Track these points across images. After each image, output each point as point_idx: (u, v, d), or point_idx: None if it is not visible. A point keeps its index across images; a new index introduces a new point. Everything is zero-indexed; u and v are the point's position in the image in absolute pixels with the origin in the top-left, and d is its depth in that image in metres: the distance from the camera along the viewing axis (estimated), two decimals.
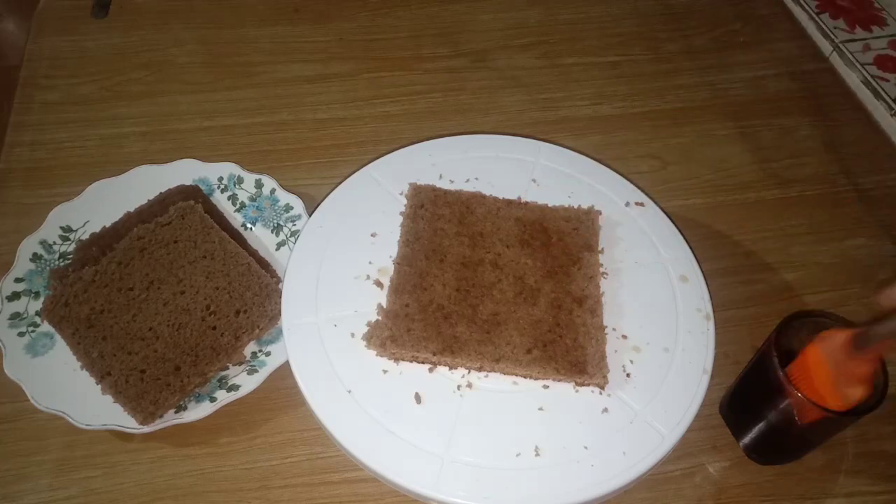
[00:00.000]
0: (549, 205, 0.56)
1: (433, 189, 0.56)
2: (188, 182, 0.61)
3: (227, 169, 0.62)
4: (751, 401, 0.50)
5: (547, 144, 0.60)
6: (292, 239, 0.59)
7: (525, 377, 0.47)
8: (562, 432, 0.45)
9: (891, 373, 0.44)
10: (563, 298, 0.50)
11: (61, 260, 0.57)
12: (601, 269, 0.53)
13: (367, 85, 0.74)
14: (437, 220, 0.54)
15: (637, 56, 0.78)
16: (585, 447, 0.45)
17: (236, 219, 0.61)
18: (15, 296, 0.54)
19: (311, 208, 0.57)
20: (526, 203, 0.56)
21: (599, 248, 0.54)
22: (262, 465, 0.51)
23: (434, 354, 0.47)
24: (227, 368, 0.53)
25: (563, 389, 0.47)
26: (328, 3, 0.82)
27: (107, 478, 0.50)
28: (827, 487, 0.51)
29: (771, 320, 0.48)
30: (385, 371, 0.47)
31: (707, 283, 0.52)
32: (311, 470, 0.50)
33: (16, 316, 0.54)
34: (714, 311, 0.51)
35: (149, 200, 0.60)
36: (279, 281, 0.55)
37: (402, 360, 0.48)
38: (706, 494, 0.50)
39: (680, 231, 0.56)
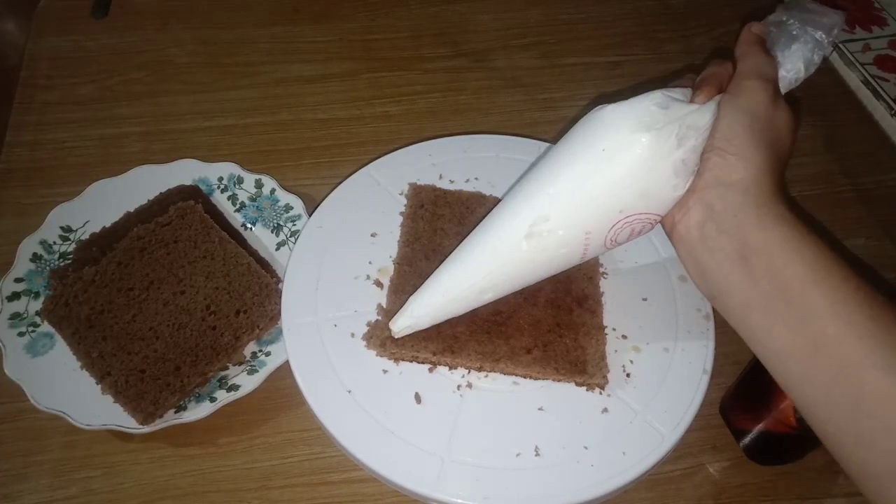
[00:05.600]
0: None
1: (433, 189, 0.56)
2: (188, 182, 0.62)
3: (227, 169, 0.62)
4: (751, 401, 0.50)
5: (547, 144, 0.60)
6: (292, 239, 0.59)
7: (525, 377, 0.47)
8: (562, 432, 0.45)
9: None
10: (563, 298, 0.50)
11: (61, 260, 0.57)
12: (601, 269, 0.53)
13: (367, 85, 0.74)
14: (438, 220, 0.54)
15: (637, 56, 0.78)
16: (585, 447, 0.45)
17: (236, 219, 0.61)
18: (15, 296, 0.54)
19: (311, 208, 0.57)
20: None
21: None
22: (262, 465, 0.51)
23: (434, 354, 0.47)
24: (227, 368, 0.53)
25: (563, 389, 0.47)
26: (328, 3, 0.82)
27: (107, 478, 0.50)
28: (827, 487, 0.51)
29: None
30: (385, 371, 0.47)
31: None
32: (311, 470, 0.50)
33: (16, 316, 0.54)
34: (714, 311, 0.51)
35: (149, 200, 0.60)
36: (279, 281, 0.55)
37: (402, 360, 0.48)
38: (706, 494, 0.50)
39: None
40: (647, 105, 0.40)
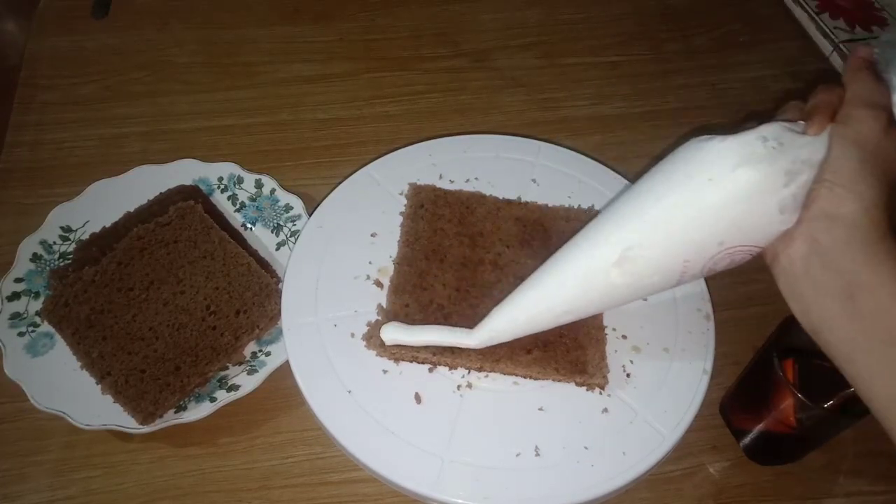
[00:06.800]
0: (549, 205, 0.56)
1: (433, 189, 0.56)
2: (188, 182, 0.62)
3: (227, 169, 0.62)
4: (751, 401, 0.50)
5: (547, 144, 0.60)
6: (292, 239, 0.59)
7: (525, 377, 0.47)
8: (562, 432, 0.45)
9: None
10: None
11: (61, 260, 0.57)
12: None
13: (367, 85, 0.74)
14: (438, 220, 0.54)
15: (637, 56, 0.78)
16: (585, 447, 0.45)
17: (236, 219, 0.61)
18: (15, 296, 0.54)
19: (311, 208, 0.57)
20: (526, 203, 0.56)
21: None
22: (263, 466, 0.51)
23: (434, 354, 0.47)
24: (227, 368, 0.53)
25: (563, 389, 0.47)
26: (328, 3, 0.82)
27: (107, 478, 0.50)
28: (827, 487, 0.51)
29: (771, 320, 0.48)
30: (385, 371, 0.47)
31: (707, 283, 0.52)
32: (311, 470, 0.50)
33: (16, 316, 0.54)
34: (714, 311, 0.51)
35: (149, 200, 0.60)
36: (279, 281, 0.55)
37: (402, 360, 0.48)
38: (706, 494, 0.50)
39: None
40: (756, 139, 0.38)
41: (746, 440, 0.51)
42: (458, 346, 0.46)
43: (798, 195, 0.38)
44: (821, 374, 0.47)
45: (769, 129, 0.39)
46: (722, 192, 0.39)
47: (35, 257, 0.56)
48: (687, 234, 0.40)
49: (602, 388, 0.47)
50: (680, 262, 0.41)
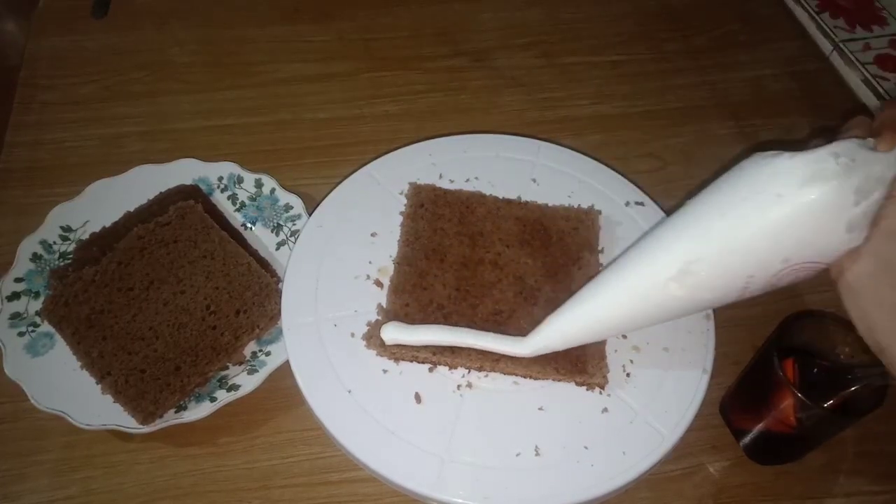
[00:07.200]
0: (549, 205, 0.56)
1: (433, 189, 0.56)
2: (188, 182, 0.61)
3: (227, 168, 0.62)
4: (751, 401, 0.51)
5: (547, 144, 0.60)
6: (292, 239, 0.59)
7: (525, 377, 0.47)
8: (562, 432, 0.45)
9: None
10: (563, 298, 0.50)
11: (61, 260, 0.57)
12: (601, 269, 0.53)
13: (367, 84, 0.74)
14: (438, 220, 0.54)
15: (637, 56, 0.78)
16: (585, 447, 0.45)
17: (236, 218, 0.61)
18: (15, 296, 0.54)
19: (311, 208, 0.57)
20: (526, 203, 0.56)
21: (599, 248, 0.54)
22: (263, 465, 0.51)
23: (434, 354, 0.47)
24: (227, 368, 0.53)
25: (563, 389, 0.47)
26: (328, 3, 0.82)
27: (107, 478, 0.50)
28: (827, 487, 0.51)
29: (771, 320, 0.48)
30: (385, 371, 0.47)
31: None
32: (311, 470, 0.50)
33: (16, 316, 0.54)
34: (714, 311, 0.51)
35: (149, 200, 0.60)
36: (279, 281, 0.55)
37: (402, 359, 0.48)
38: (706, 494, 0.50)
39: None
40: (829, 155, 0.37)
41: (746, 440, 0.51)
42: (507, 353, 0.46)
43: (868, 213, 0.38)
44: (821, 374, 0.48)
45: (841, 146, 0.38)
46: (790, 209, 0.38)
47: (35, 257, 0.56)
48: (752, 250, 0.39)
49: (602, 387, 0.47)
50: (743, 277, 0.40)
